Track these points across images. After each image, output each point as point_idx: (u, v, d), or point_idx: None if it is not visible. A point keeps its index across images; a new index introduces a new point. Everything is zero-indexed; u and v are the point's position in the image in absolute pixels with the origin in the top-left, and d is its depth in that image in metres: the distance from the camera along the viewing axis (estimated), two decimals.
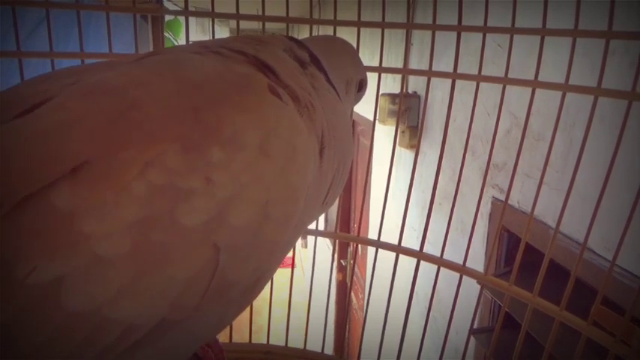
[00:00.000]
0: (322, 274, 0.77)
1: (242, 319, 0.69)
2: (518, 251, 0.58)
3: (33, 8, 0.60)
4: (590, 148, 0.51)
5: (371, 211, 2.05)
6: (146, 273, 0.27)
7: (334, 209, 0.57)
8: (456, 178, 0.62)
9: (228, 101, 0.33)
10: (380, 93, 0.66)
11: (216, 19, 0.66)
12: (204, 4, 0.68)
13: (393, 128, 1.05)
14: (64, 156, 0.27)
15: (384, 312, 0.68)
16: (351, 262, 2.89)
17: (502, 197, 1.12)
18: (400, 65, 0.68)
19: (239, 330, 0.71)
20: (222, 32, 4.69)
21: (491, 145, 0.58)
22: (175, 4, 2.29)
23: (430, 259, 0.64)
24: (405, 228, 0.66)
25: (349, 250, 2.91)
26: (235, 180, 0.30)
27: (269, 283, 0.68)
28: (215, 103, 0.32)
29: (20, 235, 0.25)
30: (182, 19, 0.64)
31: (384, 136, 1.82)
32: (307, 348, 0.72)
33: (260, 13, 0.62)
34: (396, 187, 0.72)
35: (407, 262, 0.66)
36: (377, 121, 0.69)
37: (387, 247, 0.67)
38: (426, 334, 0.67)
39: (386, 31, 0.63)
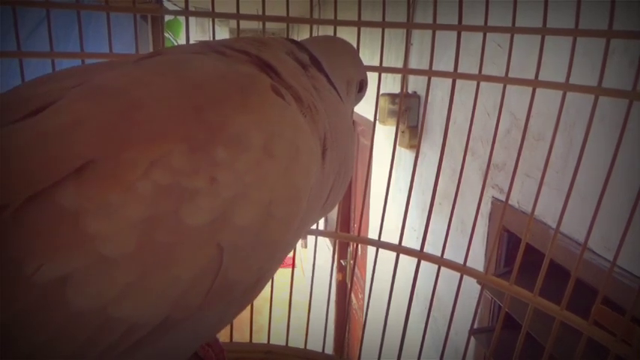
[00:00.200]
0: (322, 274, 0.77)
1: (242, 319, 0.69)
2: (518, 251, 0.59)
3: (32, 9, 0.60)
4: (590, 148, 0.51)
5: (371, 211, 2.05)
6: (150, 272, 0.27)
7: (334, 209, 0.57)
8: (456, 178, 0.62)
9: (231, 101, 0.33)
10: (380, 93, 0.66)
11: (216, 19, 0.66)
12: (205, 4, 0.68)
13: (393, 128, 1.05)
14: (69, 156, 0.27)
15: (384, 312, 0.68)
16: (351, 262, 2.89)
17: (502, 197, 1.12)
18: (400, 65, 0.68)
19: (239, 330, 0.71)
20: (222, 32, 4.69)
21: (491, 146, 0.58)
22: (175, 4, 2.29)
23: (431, 258, 0.64)
24: (405, 228, 0.66)
25: (349, 250, 2.91)
26: (239, 180, 0.30)
27: (269, 282, 0.68)
28: (218, 103, 0.32)
29: (26, 234, 0.25)
30: (182, 19, 0.64)
31: (384, 136, 1.82)
32: (307, 348, 0.72)
33: (260, 12, 0.62)
34: (395, 187, 0.72)
35: (407, 262, 0.66)
36: (377, 122, 0.69)
37: (388, 246, 0.67)
38: (426, 335, 0.67)
39: (386, 31, 0.63)
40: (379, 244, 0.67)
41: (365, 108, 0.66)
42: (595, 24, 0.50)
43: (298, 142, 0.34)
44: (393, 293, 0.67)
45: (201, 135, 0.30)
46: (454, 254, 0.64)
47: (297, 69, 0.43)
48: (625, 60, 0.72)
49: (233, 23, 0.70)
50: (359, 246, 0.74)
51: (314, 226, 0.66)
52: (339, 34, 0.58)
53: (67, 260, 0.25)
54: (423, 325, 0.67)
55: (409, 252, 0.66)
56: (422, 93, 1.64)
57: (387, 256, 0.68)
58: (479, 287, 0.65)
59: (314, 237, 0.70)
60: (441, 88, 1.38)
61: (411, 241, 0.68)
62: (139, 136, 0.29)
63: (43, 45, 0.60)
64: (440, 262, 0.64)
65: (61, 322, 0.26)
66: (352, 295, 2.86)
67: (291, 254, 0.51)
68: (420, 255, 0.65)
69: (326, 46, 0.50)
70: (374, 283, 0.70)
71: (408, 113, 1.64)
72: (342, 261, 3.01)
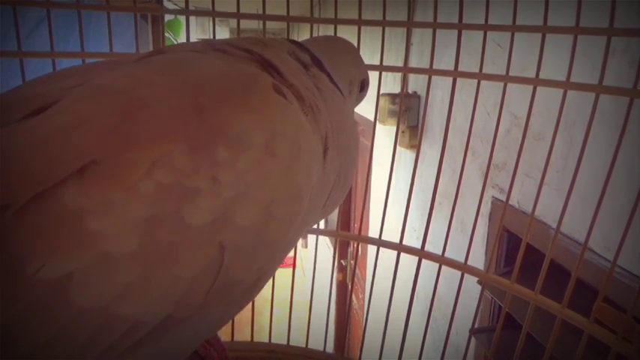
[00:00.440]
0: (323, 274, 0.77)
1: (244, 319, 0.69)
2: (518, 251, 0.59)
3: (32, 9, 0.60)
4: (591, 148, 0.51)
5: (371, 211, 2.05)
6: (152, 271, 0.28)
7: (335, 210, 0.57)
8: (456, 178, 0.62)
9: (233, 101, 0.33)
10: (380, 93, 0.66)
11: (216, 19, 0.66)
12: (205, 4, 0.68)
13: (393, 128, 1.05)
14: (71, 156, 0.27)
15: (385, 312, 0.68)
16: (352, 262, 2.89)
17: (502, 197, 1.12)
18: (400, 65, 0.68)
19: (241, 329, 0.71)
20: (223, 32, 4.68)
21: (491, 145, 0.58)
22: (175, 4, 2.29)
23: (431, 257, 0.64)
24: (406, 228, 0.66)
25: (349, 250, 2.91)
26: (241, 179, 0.31)
27: (270, 282, 0.68)
28: (220, 102, 0.32)
29: (28, 233, 0.25)
30: (182, 18, 0.64)
31: (384, 136, 1.82)
32: (309, 347, 0.72)
33: (260, 12, 0.62)
34: (396, 187, 0.72)
35: (408, 262, 0.66)
36: (377, 121, 0.69)
37: (389, 245, 0.67)
38: (427, 334, 0.67)
39: (386, 32, 0.63)
40: (380, 243, 0.67)
41: (365, 108, 0.66)
42: (595, 24, 0.50)
43: (300, 141, 0.34)
44: (394, 293, 0.67)
45: (202, 134, 0.30)
46: (454, 254, 0.64)
47: (299, 69, 0.43)
48: (625, 60, 0.73)
49: (233, 23, 0.70)
50: (359, 245, 0.74)
51: (314, 226, 0.66)
52: (339, 33, 0.58)
53: (70, 259, 0.26)
54: (424, 325, 0.67)
55: (410, 250, 0.66)
56: (422, 93, 1.65)
57: (387, 256, 0.68)
58: (479, 287, 0.64)
59: (314, 237, 0.70)
60: (441, 87, 1.38)
61: (412, 241, 0.68)
62: (140, 136, 0.29)
63: (43, 45, 0.60)
64: (441, 260, 0.64)
65: (62, 322, 0.26)
66: (353, 295, 2.86)
67: (291, 254, 0.51)
68: (421, 253, 0.65)
69: (327, 46, 0.50)
70: (374, 283, 0.70)
71: (408, 113, 1.64)
72: (342, 261, 3.01)
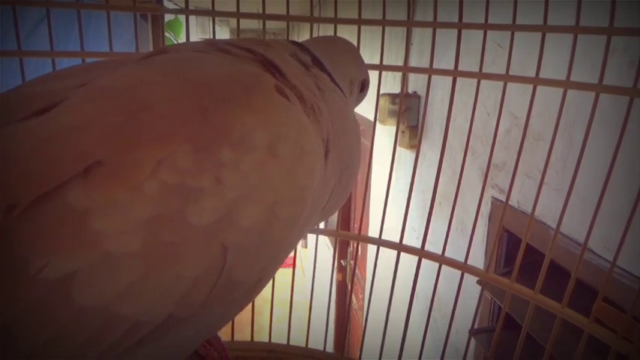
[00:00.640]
0: (322, 274, 0.78)
1: (244, 319, 0.69)
2: (518, 251, 0.59)
3: (32, 8, 0.60)
4: (590, 148, 0.51)
5: (371, 211, 2.05)
6: (154, 271, 0.28)
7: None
8: (456, 179, 0.62)
9: (236, 102, 0.33)
10: (380, 93, 0.66)
11: (216, 19, 0.66)
12: (205, 4, 0.68)
13: (393, 128, 1.05)
14: (77, 157, 0.27)
15: (385, 312, 0.68)
16: (351, 262, 2.89)
17: (502, 197, 1.12)
18: (400, 65, 0.68)
19: (241, 329, 0.71)
20: (223, 32, 4.68)
21: (491, 146, 0.58)
22: (175, 4, 2.28)
23: (431, 256, 0.64)
24: (406, 228, 0.66)
25: (349, 250, 2.91)
26: (244, 180, 0.31)
27: (270, 282, 0.68)
28: (224, 103, 0.32)
29: (32, 233, 0.26)
30: (182, 18, 0.64)
31: (384, 136, 1.82)
32: (309, 346, 0.72)
33: (260, 11, 0.62)
34: (396, 187, 0.72)
35: (408, 262, 0.66)
36: (377, 121, 0.69)
37: (389, 245, 0.67)
38: (427, 334, 0.67)
39: (386, 32, 0.63)
40: (380, 243, 0.67)
41: (365, 108, 0.66)
42: (595, 23, 0.50)
43: (303, 143, 0.34)
44: (394, 293, 0.67)
45: (206, 135, 0.30)
46: (454, 254, 0.64)
47: (301, 69, 0.43)
48: (625, 60, 0.72)
49: (233, 23, 0.70)
50: (359, 245, 0.74)
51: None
52: (339, 33, 0.58)
53: (72, 258, 0.26)
54: (424, 325, 0.67)
55: (410, 250, 0.66)
56: (422, 93, 1.65)
57: (387, 256, 0.68)
58: (479, 287, 0.64)
59: (314, 237, 0.70)
60: (441, 87, 1.38)
61: (411, 241, 0.68)
62: (145, 137, 0.29)
63: (43, 44, 0.60)
64: (441, 260, 0.64)
65: (63, 321, 0.26)
66: (352, 295, 2.86)
67: (291, 254, 0.51)
68: (421, 253, 0.65)
69: (328, 47, 0.50)
70: (374, 283, 0.70)
71: (408, 113, 1.64)
72: (342, 261, 3.00)
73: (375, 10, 0.65)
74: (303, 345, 0.72)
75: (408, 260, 0.66)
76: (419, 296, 0.67)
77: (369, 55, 0.61)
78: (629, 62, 0.72)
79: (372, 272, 0.71)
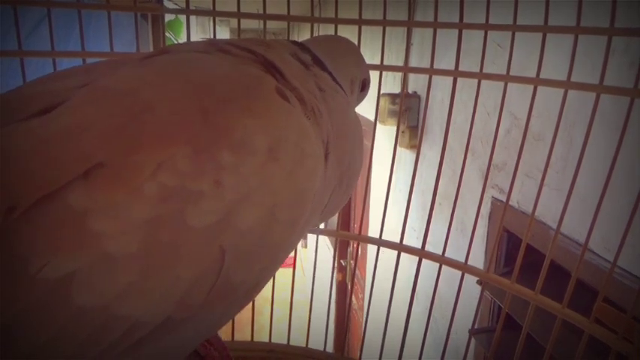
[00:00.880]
0: (322, 274, 0.78)
1: (244, 319, 0.69)
2: (518, 252, 0.58)
3: (32, 8, 0.60)
4: (591, 148, 0.51)
5: (371, 211, 2.05)
6: (153, 272, 0.28)
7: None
8: (456, 179, 0.62)
9: (237, 104, 0.33)
10: (380, 93, 0.66)
11: (216, 19, 0.66)
12: (206, 4, 0.68)
13: (393, 128, 1.05)
14: (78, 158, 0.27)
15: (385, 312, 0.68)
16: (352, 262, 2.89)
17: (502, 197, 1.12)
18: (401, 65, 0.68)
19: (241, 329, 0.71)
20: (223, 32, 4.68)
21: (492, 146, 0.58)
22: (176, 4, 2.28)
23: (432, 256, 0.64)
24: (406, 229, 0.66)
25: (349, 250, 2.91)
26: (244, 183, 0.31)
27: (270, 282, 0.68)
28: (225, 105, 0.32)
29: (33, 232, 0.26)
30: (183, 18, 0.64)
31: (384, 136, 1.82)
32: (309, 346, 0.72)
33: (261, 11, 0.62)
34: (396, 187, 0.72)
35: (408, 262, 0.66)
36: (377, 122, 0.69)
37: (389, 245, 0.67)
38: (427, 334, 0.67)
39: (386, 32, 0.63)
40: (380, 243, 0.67)
41: (365, 108, 0.66)
42: (596, 24, 0.50)
43: (303, 146, 0.34)
44: (394, 293, 0.67)
45: (207, 138, 0.30)
46: (454, 254, 0.64)
47: (301, 69, 0.42)
48: (625, 60, 0.72)
49: (234, 23, 0.70)
50: (359, 245, 0.74)
51: None
52: (339, 33, 0.58)
53: (72, 258, 0.26)
54: (424, 325, 0.67)
55: (410, 250, 0.66)
56: (422, 93, 1.65)
57: (387, 256, 0.68)
58: (479, 287, 0.64)
59: (314, 237, 0.70)
60: (441, 88, 1.38)
61: (412, 242, 0.68)
62: (146, 139, 0.29)
63: (44, 44, 0.60)
64: (441, 260, 0.64)
65: (63, 321, 0.26)
66: (352, 295, 2.86)
67: (291, 254, 0.51)
68: (421, 253, 0.65)
69: (329, 46, 0.50)
70: (374, 283, 0.70)
71: (408, 113, 1.64)
72: (342, 261, 3.00)
73: (376, 10, 0.65)
74: (304, 345, 0.72)
75: (408, 260, 0.66)
76: (419, 296, 0.67)
77: (370, 55, 0.61)
78: (630, 63, 0.72)
79: (372, 272, 0.71)
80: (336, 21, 0.62)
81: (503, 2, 0.54)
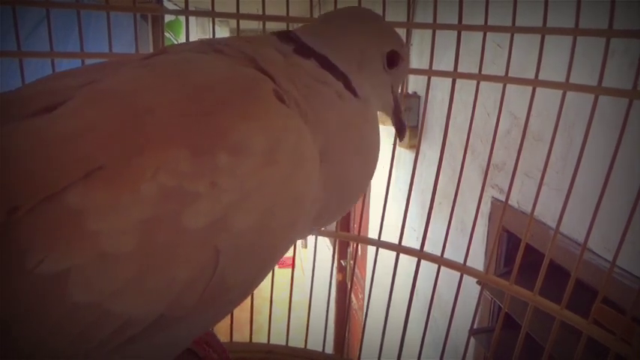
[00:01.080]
0: (322, 274, 0.78)
1: (242, 319, 0.69)
2: (517, 251, 0.59)
3: (31, 9, 0.60)
4: (590, 148, 0.51)
5: (371, 211, 2.05)
6: (148, 270, 0.28)
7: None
8: (456, 178, 0.62)
9: (235, 106, 0.33)
10: None
11: (216, 20, 0.66)
12: (205, 4, 0.68)
13: (393, 128, 1.05)
14: (79, 160, 0.28)
15: (384, 312, 0.68)
16: (351, 262, 2.89)
17: (501, 197, 1.12)
18: None
19: (239, 329, 0.71)
20: (223, 32, 4.68)
21: (491, 146, 0.58)
22: (175, 4, 2.28)
23: (431, 258, 0.64)
24: (405, 228, 0.66)
25: (349, 250, 2.91)
26: (241, 186, 0.31)
27: (269, 282, 0.68)
28: (223, 108, 0.33)
29: (32, 229, 0.26)
30: (182, 18, 0.64)
31: (383, 136, 1.81)
32: (308, 347, 0.72)
33: (260, 12, 0.62)
34: (395, 187, 0.72)
35: (407, 262, 0.66)
36: None
37: (388, 246, 0.67)
38: (426, 334, 0.67)
39: None
40: (379, 244, 0.67)
41: None
42: (595, 25, 0.50)
43: (301, 149, 0.34)
44: (393, 293, 0.67)
45: (205, 140, 0.31)
46: (454, 254, 0.64)
47: (287, 67, 0.39)
48: (625, 61, 0.72)
49: (233, 23, 0.70)
50: (359, 246, 0.74)
51: None
52: None
53: (69, 255, 0.26)
54: (423, 325, 0.67)
55: (409, 251, 0.66)
56: (422, 93, 1.65)
57: (387, 256, 0.68)
58: (479, 287, 0.65)
59: (314, 237, 0.70)
60: (440, 88, 1.38)
61: (411, 241, 0.68)
62: (145, 142, 0.29)
63: (43, 45, 0.60)
64: (440, 261, 0.64)
65: (58, 316, 0.26)
66: (352, 295, 2.86)
67: (291, 254, 0.51)
68: (420, 254, 0.65)
69: (330, 20, 0.45)
70: (374, 283, 0.70)
71: (408, 113, 1.64)
72: (342, 261, 3.01)
73: (375, 10, 0.65)
74: (302, 346, 0.72)
75: (408, 260, 0.66)
76: (418, 296, 0.67)
77: None
78: (629, 64, 0.72)
79: (371, 272, 0.70)
80: None
81: (503, 3, 0.54)
